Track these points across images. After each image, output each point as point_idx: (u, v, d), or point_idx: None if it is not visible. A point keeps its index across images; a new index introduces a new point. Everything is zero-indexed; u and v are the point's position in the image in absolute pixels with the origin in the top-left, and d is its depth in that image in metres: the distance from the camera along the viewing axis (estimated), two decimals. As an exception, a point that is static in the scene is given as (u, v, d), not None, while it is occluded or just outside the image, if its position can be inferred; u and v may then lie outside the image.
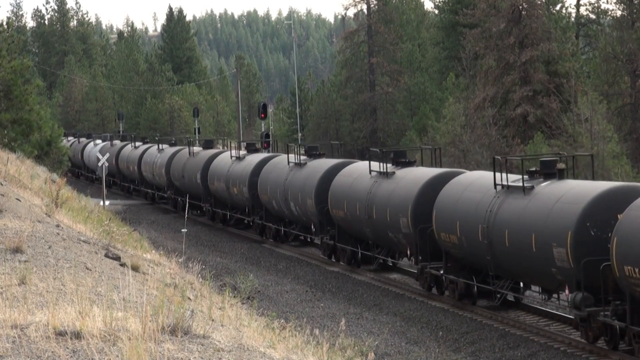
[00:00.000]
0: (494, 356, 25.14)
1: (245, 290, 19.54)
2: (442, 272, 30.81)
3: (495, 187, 27.79)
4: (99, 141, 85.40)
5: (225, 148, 62.49)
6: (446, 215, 29.83)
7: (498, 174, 27.88)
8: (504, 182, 27.59)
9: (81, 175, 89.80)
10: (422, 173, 33.24)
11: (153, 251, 24.76)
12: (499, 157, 29.27)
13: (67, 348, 8.97)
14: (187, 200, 41.38)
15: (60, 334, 9.34)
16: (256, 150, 52.57)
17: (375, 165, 35.96)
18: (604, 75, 60.45)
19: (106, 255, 17.90)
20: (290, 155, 44.40)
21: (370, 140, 79.85)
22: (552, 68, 60.59)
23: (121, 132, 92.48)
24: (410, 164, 35.43)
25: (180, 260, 21.48)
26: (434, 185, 31.39)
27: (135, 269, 16.98)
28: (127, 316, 10.13)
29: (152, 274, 16.37)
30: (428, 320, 29.29)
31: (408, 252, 32.90)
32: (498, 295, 28.57)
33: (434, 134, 61.59)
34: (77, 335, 9.29)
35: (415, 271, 33.30)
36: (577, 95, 54.51)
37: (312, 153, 43.63)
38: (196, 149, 59.64)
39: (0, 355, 8.71)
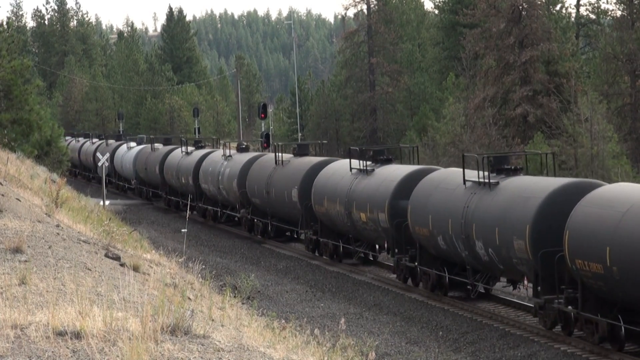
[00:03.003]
0: (494, 356, 25.13)
1: (245, 290, 19.53)
2: None
3: None
4: (133, 144, 73.01)
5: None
6: None
7: None
8: None
9: (110, 183, 74.26)
10: None
11: (153, 251, 24.76)
12: None
13: (67, 348, 8.97)
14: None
15: (60, 334, 9.34)
16: (387, 161, 37.21)
17: None
18: (604, 75, 60.48)
19: (106, 255, 17.90)
20: (447, 169, 33.21)
21: (371, 140, 79.86)
22: (552, 68, 60.61)
23: (121, 131, 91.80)
24: None
25: (180, 260, 21.48)
26: None
27: (135, 269, 16.98)
28: (127, 316, 10.13)
29: (152, 274, 16.37)
30: (428, 320, 29.28)
31: None
32: None
33: (433, 134, 61.62)
34: (77, 335, 9.29)
35: None
36: (577, 95, 54.52)
37: (502, 167, 28.80)
38: (286, 156, 45.99)
39: (0, 355, 8.70)
